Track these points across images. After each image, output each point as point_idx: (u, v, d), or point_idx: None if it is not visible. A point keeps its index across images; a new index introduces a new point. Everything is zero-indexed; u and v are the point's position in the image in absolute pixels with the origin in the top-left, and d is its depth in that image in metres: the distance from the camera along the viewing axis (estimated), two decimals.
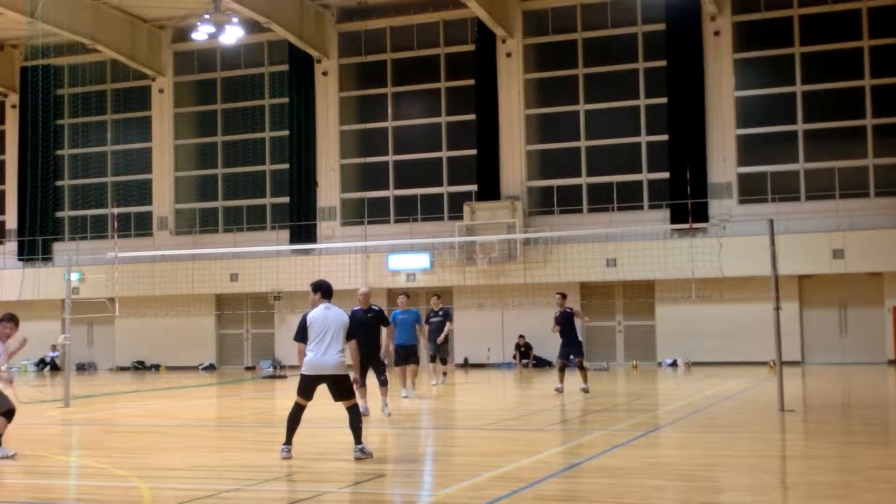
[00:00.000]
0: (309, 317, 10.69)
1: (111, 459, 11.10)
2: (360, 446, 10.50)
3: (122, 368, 33.67)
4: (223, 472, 10.12)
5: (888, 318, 27.40)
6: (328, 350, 10.54)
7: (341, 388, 10.66)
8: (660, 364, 28.73)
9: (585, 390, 18.46)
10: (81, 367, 33.64)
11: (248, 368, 32.73)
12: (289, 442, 10.69)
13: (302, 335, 10.69)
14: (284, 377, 26.87)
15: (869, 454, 10.70)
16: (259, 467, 10.20)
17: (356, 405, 10.72)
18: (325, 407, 16.28)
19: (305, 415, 12.70)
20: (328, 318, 10.62)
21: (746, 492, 8.54)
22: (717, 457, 10.69)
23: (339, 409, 16.23)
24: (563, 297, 19.27)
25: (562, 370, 18.94)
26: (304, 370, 10.69)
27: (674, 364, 28.43)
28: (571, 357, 18.80)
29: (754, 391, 18.88)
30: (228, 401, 20.66)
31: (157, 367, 33.41)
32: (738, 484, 8.96)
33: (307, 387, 10.73)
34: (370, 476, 9.51)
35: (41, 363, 33.89)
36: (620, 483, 9.23)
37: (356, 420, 10.57)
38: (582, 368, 18.87)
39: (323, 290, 10.89)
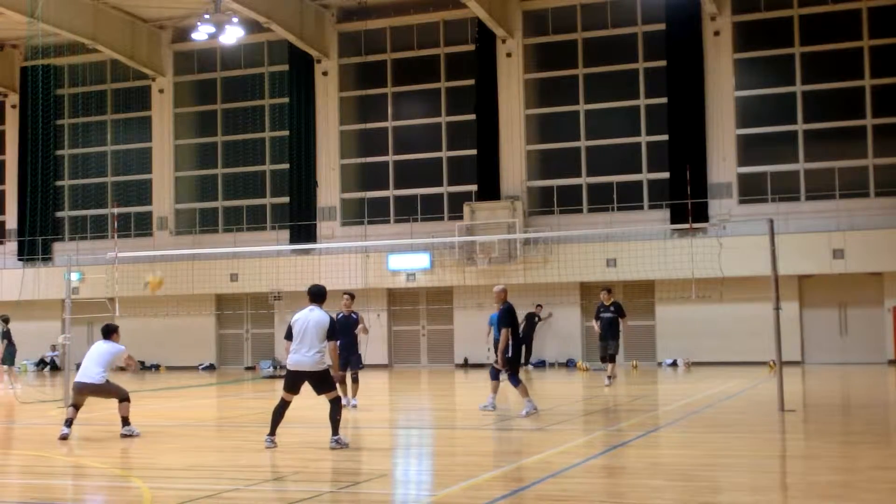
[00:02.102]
0: (293, 318, 11.65)
1: (111, 459, 11.10)
2: (335, 437, 11.26)
3: (122, 368, 33.55)
4: (223, 472, 10.13)
5: (888, 318, 27.39)
6: (305, 349, 11.36)
7: (320, 382, 11.45)
8: (660, 364, 28.72)
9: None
10: None
11: (248, 368, 32.72)
12: (272, 433, 11.49)
13: (288, 334, 11.59)
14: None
15: (869, 454, 10.70)
16: (259, 467, 10.21)
17: (338, 398, 11.50)
18: (322, 407, 16.28)
19: (305, 415, 12.67)
20: (309, 320, 11.45)
21: (746, 492, 8.54)
22: (717, 457, 10.69)
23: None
24: (609, 291, 21.00)
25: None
26: (287, 366, 11.57)
27: (674, 364, 28.43)
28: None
29: (754, 391, 18.87)
30: (228, 401, 20.66)
31: (157, 367, 33.41)
32: (738, 484, 8.97)
33: (290, 382, 11.54)
34: (370, 476, 9.51)
35: (41, 363, 33.88)
36: (620, 483, 9.23)
37: (335, 412, 11.30)
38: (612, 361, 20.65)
39: (311, 295, 11.80)
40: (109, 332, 13.81)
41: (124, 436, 12.94)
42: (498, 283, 29.37)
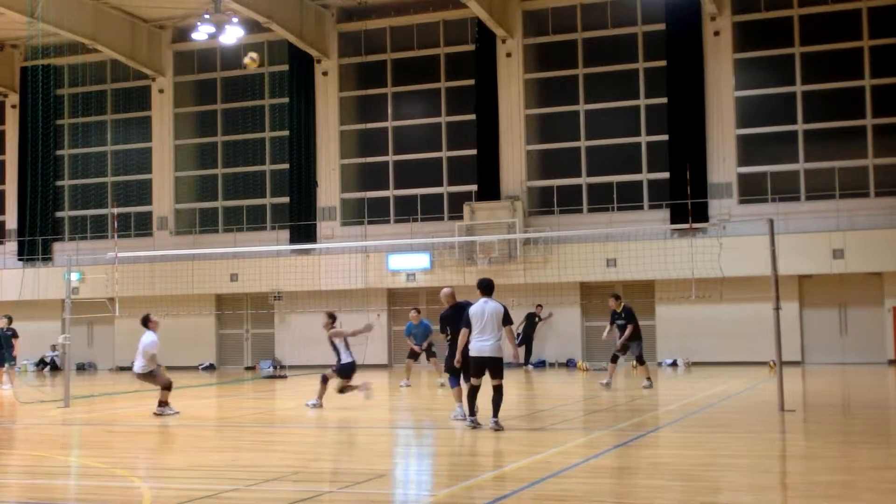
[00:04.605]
0: (471, 310, 12.91)
1: (111, 459, 11.10)
2: (495, 419, 12.60)
3: (122, 368, 33.62)
4: (223, 472, 10.12)
5: (888, 318, 27.38)
6: (486, 337, 12.65)
7: (496, 368, 12.74)
8: (660, 364, 28.71)
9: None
10: (81, 367, 33.63)
11: (248, 368, 32.71)
12: (473, 414, 12.98)
13: (467, 324, 12.81)
14: (284, 377, 26.87)
15: (869, 454, 10.70)
16: (259, 467, 10.21)
17: (502, 385, 12.74)
18: (322, 407, 16.27)
19: (304, 414, 12.59)
20: (485, 310, 12.76)
21: (746, 492, 8.54)
22: (717, 457, 10.69)
23: (337, 410, 16.25)
24: (617, 297, 20.40)
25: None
26: (470, 353, 12.81)
27: (674, 364, 28.43)
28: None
29: (754, 391, 18.87)
30: (228, 401, 20.65)
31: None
32: (738, 484, 8.96)
33: (476, 368, 12.82)
34: (370, 476, 9.51)
35: (41, 363, 33.89)
36: (620, 483, 9.24)
37: (498, 398, 12.69)
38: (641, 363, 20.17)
39: (482, 287, 13.05)
40: None
41: None
42: (497, 283, 29.51)
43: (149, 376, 16.24)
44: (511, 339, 13.10)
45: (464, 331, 12.87)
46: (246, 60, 18.82)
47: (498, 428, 12.54)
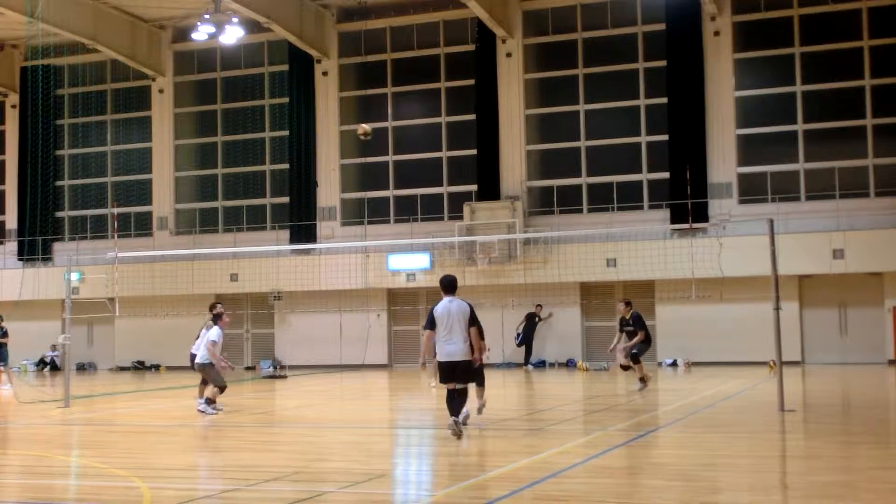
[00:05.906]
0: (435, 310, 12.08)
1: (111, 459, 11.10)
2: (455, 419, 11.91)
3: (122, 368, 33.65)
4: (223, 472, 10.12)
5: (888, 318, 27.38)
6: (455, 339, 11.91)
7: (466, 371, 12.11)
8: (660, 364, 28.70)
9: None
10: (81, 367, 33.62)
11: (248, 368, 32.70)
12: (457, 416, 11.95)
13: (430, 324, 12.04)
14: (284, 377, 26.88)
15: (869, 454, 10.70)
16: (259, 467, 10.21)
17: (467, 389, 12.19)
18: (322, 407, 16.28)
19: (304, 414, 12.60)
20: (451, 310, 11.97)
21: (746, 492, 8.54)
22: (717, 457, 10.69)
23: (336, 410, 16.26)
24: (627, 304, 19.91)
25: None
26: (438, 358, 12.10)
27: (674, 364, 28.42)
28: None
29: (754, 391, 18.87)
30: (228, 401, 20.62)
31: (157, 367, 33.39)
32: (738, 484, 8.97)
33: (447, 373, 12.04)
34: (370, 476, 9.51)
35: (41, 363, 33.88)
36: (620, 483, 9.23)
37: (461, 400, 12.05)
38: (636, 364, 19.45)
39: (445, 285, 12.29)
40: None
41: None
42: (497, 283, 29.65)
43: (208, 369, 16.60)
44: (477, 340, 12.11)
45: (428, 332, 12.08)
46: (360, 131, 18.84)
47: (458, 429, 11.81)
